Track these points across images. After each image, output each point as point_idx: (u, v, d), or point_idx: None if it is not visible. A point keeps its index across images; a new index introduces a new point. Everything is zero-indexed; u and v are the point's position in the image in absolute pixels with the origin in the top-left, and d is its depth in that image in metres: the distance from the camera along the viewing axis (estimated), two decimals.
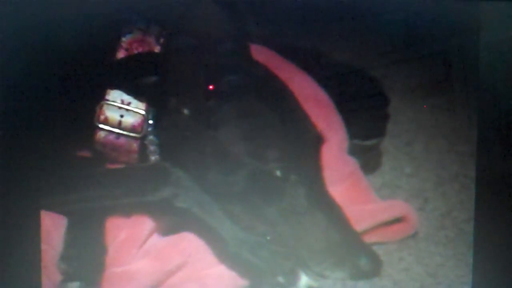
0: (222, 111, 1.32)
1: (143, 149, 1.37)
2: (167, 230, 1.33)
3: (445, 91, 1.58)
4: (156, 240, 1.32)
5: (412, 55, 1.59)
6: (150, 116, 1.36)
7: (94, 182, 1.34)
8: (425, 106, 1.58)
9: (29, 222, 1.25)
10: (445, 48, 1.57)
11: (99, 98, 1.35)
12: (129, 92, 1.35)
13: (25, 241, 1.23)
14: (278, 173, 1.30)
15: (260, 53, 1.43)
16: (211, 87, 1.33)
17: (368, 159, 1.50)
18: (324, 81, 1.52)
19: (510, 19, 1.24)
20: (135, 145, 1.36)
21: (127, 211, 1.33)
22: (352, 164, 1.45)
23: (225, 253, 1.30)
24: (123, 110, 1.35)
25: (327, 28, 1.56)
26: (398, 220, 1.39)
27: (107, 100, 1.34)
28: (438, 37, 1.53)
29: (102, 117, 1.34)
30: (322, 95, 1.49)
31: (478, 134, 1.25)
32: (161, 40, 1.36)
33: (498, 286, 1.23)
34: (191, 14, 1.40)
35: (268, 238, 1.30)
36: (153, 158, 1.36)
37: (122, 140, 1.36)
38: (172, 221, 1.33)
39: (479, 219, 1.24)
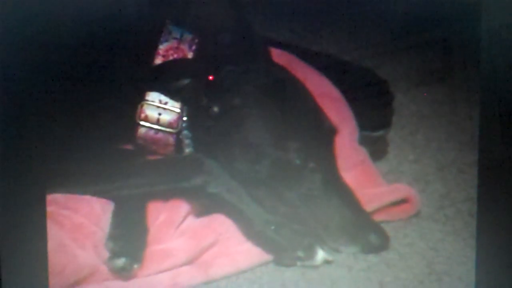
0: (247, 108, 1.37)
1: (178, 142, 1.41)
2: (201, 212, 1.37)
3: (445, 81, 1.59)
4: (191, 221, 1.37)
5: (412, 43, 1.60)
6: (184, 114, 1.40)
7: (137, 172, 1.38)
8: (425, 94, 1.61)
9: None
10: (445, 36, 1.56)
11: (140, 99, 1.40)
12: (166, 93, 1.39)
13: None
14: (297, 161, 1.35)
15: (279, 56, 1.50)
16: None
17: (376, 148, 1.57)
18: (337, 79, 1.57)
19: None
20: (171, 139, 1.42)
21: (166, 196, 1.37)
22: (362, 152, 1.52)
23: (252, 232, 1.33)
24: (160, 109, 1.40)
25: (326, 18, 1.57)
26: (402, 201, 1.44)
27: (147, 100, 1.40)
28: (438, 24, 1.51)
29: (142, 115, 1.40)
30: (335, 92, 1.55)
31: (480, 120, 1.19)
32: (193, 47, 1.41)
33: (500, 263, 1.20)
34: (193, 5, 1.43)
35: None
36: (187, 150, 1.41)
37: (160, 135, 1.41)
38: (205, 204, 1.37)
39: (482, 202, 1.21)
